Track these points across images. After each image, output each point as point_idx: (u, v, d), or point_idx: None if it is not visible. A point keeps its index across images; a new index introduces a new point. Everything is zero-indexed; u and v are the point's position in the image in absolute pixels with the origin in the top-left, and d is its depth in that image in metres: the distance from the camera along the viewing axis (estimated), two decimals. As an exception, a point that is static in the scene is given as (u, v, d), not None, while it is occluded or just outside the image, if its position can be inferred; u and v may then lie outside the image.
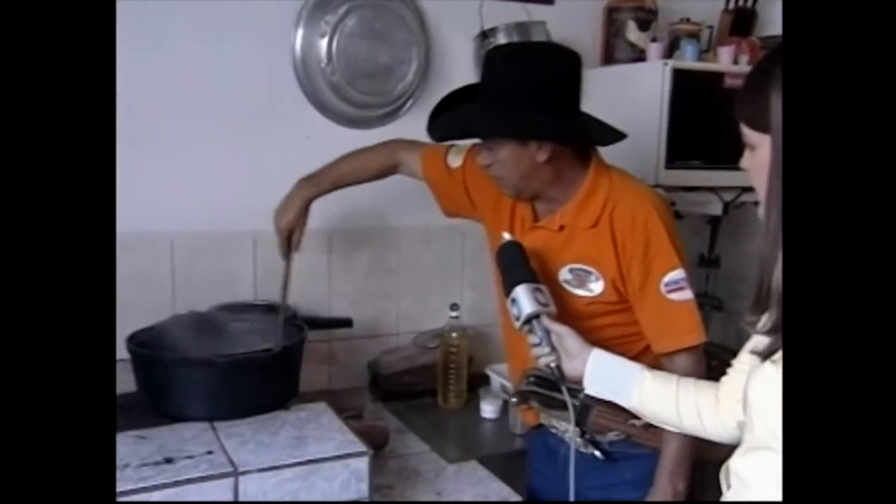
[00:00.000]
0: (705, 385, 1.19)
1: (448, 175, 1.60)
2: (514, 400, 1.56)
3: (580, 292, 1.40)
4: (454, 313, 1.93)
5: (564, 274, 1.41)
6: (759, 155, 0.89)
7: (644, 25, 2.08)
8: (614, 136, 1.40)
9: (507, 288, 1.29)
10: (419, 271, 2.12)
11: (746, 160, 0.94)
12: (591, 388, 1.23)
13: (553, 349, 1.24)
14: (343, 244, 2.01)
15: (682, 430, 1.21)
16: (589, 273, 1.39)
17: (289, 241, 1.62)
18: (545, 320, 1.25)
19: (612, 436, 1.42)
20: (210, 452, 1.24)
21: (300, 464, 1.23)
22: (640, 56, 2.10)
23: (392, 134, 2.02)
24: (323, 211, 1.98)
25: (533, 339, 1.26)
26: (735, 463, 0.96)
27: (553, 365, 1.24)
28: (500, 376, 1.97)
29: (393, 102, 2.00)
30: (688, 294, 1.35)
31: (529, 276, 1.29)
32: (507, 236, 1.49)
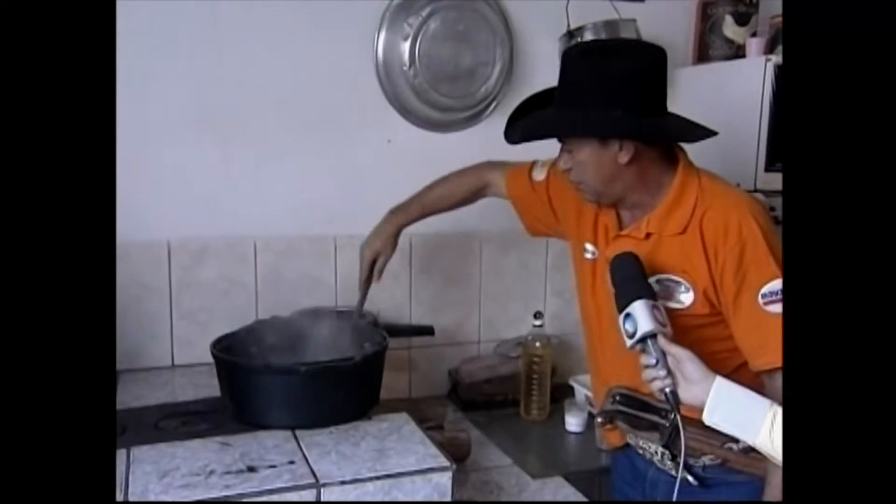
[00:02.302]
0: None
1: (532, 189, 1.57)
2: (598, 420, 1.46)
3: (669, 304, 1.31)
4: (537, 322, 1.87)
5: (651, 285, 1.33)
6: None
7: (743, 20, 1.97)
8: (703, 133, 1.30)
9: (622, 302, 1.19)
10: (501, 278, 2.06)
11: None
12: (712, 419, 1.12)
13: (669, 373, 1.14)
14: (423, 250, 1.98)
15: None
16: (678, 284, 1.30)
17: (371, 268, 1.60)
18: (662, 341, 1.15)
19: (706, 460, 1.33)
20: (292, 462, 1.23)
21: (381, 477, 1.20)
22: (737, 52, 1.99)
23: (475, 137, 2.00)
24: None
25: (647, 359, 1.16)
26: None
27: (668, 391, 1.13)
28: (584, 388, 1.89)
29: (476, 105, 1.96)
30: None
31: (648, 292, 1.19)
32: (589, 247, 1.42)
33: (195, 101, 1.77)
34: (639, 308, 1.16)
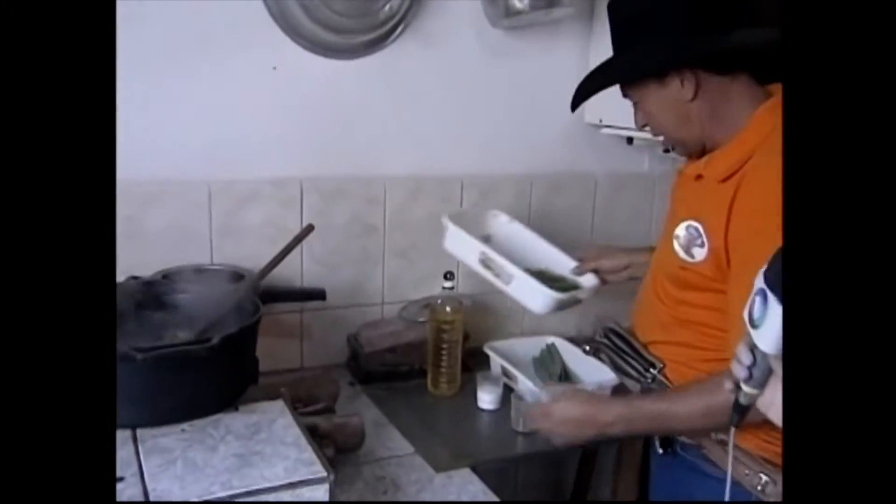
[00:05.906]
0: None
1: None
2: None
3: (681, 253, 1.20)
4: (448, 283, 1.63)
5: (681, 229, 1.20)
6: None
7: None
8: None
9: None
10: (408, 230, 1.80)
11: None
12: None
13: (762, 388, 0.85)
14: (317, 196, 1.70)
15: None
16: (698, 235, 1.17)
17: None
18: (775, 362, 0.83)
19: (684, 438, 1.25)
20: (121, 479, 0.96)
21: (236, 498, 0.95)
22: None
23: (380, 64, 1.70)
24: (292, 154, 1.67)
25: (745, 357, 0.84)
26: None
27: (740, 399, 0.87)
28: (500, 356, 1.67)
29: (379, 27, 1.65)
30: None
31: None
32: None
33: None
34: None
